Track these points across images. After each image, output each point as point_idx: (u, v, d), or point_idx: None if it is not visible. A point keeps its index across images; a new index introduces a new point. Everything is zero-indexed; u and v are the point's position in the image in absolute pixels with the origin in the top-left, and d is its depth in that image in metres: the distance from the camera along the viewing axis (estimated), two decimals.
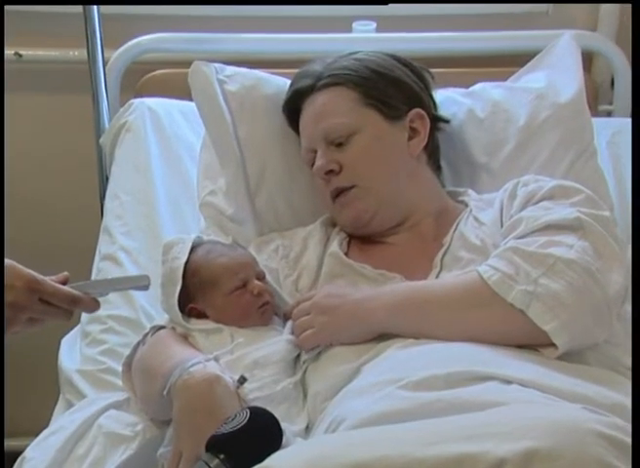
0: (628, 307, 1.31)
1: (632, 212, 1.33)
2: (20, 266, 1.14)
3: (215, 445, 1.03)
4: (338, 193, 1.41)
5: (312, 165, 1.44)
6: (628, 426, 0.94)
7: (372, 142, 1.41)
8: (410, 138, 1.44)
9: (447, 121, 1.53)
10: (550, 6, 1.88)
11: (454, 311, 1.21)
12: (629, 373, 1.18)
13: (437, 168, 1.50)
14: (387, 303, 1.24)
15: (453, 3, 1.86)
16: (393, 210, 1.41)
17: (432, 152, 1.48)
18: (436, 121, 1.49)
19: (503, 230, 1.30)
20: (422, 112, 1.45)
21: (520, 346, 1.17)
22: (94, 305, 1.19)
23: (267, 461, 0.94)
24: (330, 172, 1.40)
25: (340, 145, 1.41)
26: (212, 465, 1.02)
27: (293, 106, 1.50)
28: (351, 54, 1.48)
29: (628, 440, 0.91)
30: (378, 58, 1.46)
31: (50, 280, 1.15)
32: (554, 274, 1.17)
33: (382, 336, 1.23)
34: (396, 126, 1.43)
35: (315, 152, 1.43)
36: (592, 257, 1.20)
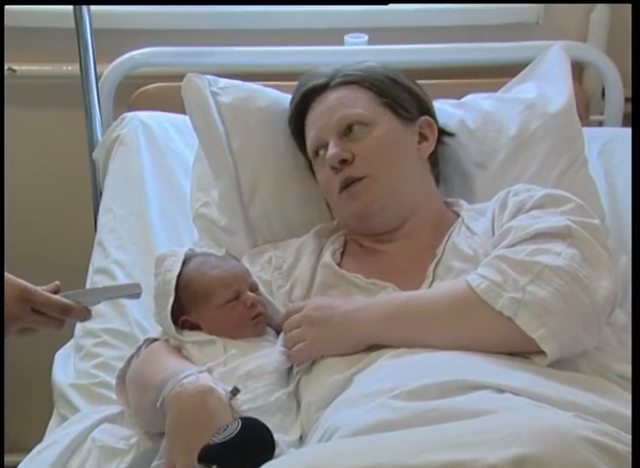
0: (621, 314, 1.31)
1: (632, 214, 1.33)
2: (12, 276, 1.14)
3: (207, 455, 1.03)
4: (347, 184, 1.41)
5: (311, 167, 1.45)
6: (618, 433, 0.94)
7: (386, 136, 1.42)
8: (419, 143, 1.46)
9: (452, 134, 1.55)
10: (541, 17, 1.89)
11: (443, 320, 1.21)
12: (620, 380, 1.18)
13: (437, 180, 1.52)
14: (377, 314, 1.24)
15: (445, 3, 1.87)
16: (399, 205, 1.41)
17: (435, 163, 1.51)
18: (441, 134, 1.51)
19: (494, 240, 1.30)
20: (431, 120, 1.48)
21: (511, 354, 1.17)
22: (85, 314, 1.19)
23: None
24: (343, 161, 1.40)
25: (352, 137, 1.41)
26: None
27: (300, 106, 1.49)
28: (360, 63, 1.50)
29: (617, 445, 0.91)
30: (387, 68, 1.49)
31: (41, 289, 1.15)
32: (542, 281, 1.17)
33: (374, 346, 1.23)
34: (408, 128, 1.45)
35: (324, 147, 1.43)
36: (580, 265, 1.20)
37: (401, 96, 1.46)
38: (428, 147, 1.46)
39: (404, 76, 1.50)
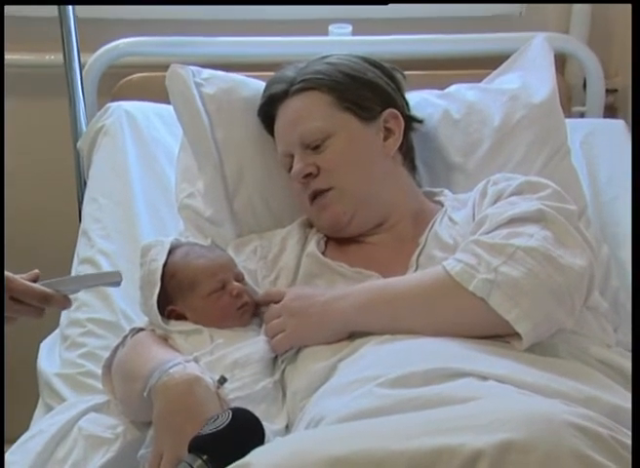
0: (602, 301, 1.33)
1: (632, 211, 1.34)
2: None
3: (197, 445, 1.04)
4: (315, 195, 1.42)
5: (289, 169, 1.45)
6: (602, 418, 0.95)
7: (348, 145, 1.42)
8: (385, 139, 1.45)
9: (420, 121, 1.54)
10: (523, 8, 1.90)
11: (420, 304, 1.22)
12: (599, 365, 1.19)
13: (412, 168, 1.51)
14: (355, 302, 1.25)
15: (437, 3, 1.88)
16: (371, 211, 1.42)
17: (407, 152, 1.50)
18: (410, 121, 1.51)
19: (471, 228, 1.31)
20: (396, 112, 1.46)
21: (490, 337, 1.18)
22: (65, 302, 1.18)
23: (247, 458, 0.94)
24: (308, 175, 1.41)
25: (316, 149, 1.42)
26: (195, 466, 1.02)
27: (267, 112, 1.51)
28: (323, 57, 1.49)
29: (602, 430, 0.92)
30: (349, 62, 1.47)
31: (20, 277, 1.15)
32: (514, 262, 1.18)
33: (358, 333, 1.24)
34: (371, 127, 1.44)
35: (292, 157, 1.44)
36: (553, 245, 1.20)
37: (362, 94, 1.44)
38: (395, 141, 1.45)
39: (367, 65, 1.47)
